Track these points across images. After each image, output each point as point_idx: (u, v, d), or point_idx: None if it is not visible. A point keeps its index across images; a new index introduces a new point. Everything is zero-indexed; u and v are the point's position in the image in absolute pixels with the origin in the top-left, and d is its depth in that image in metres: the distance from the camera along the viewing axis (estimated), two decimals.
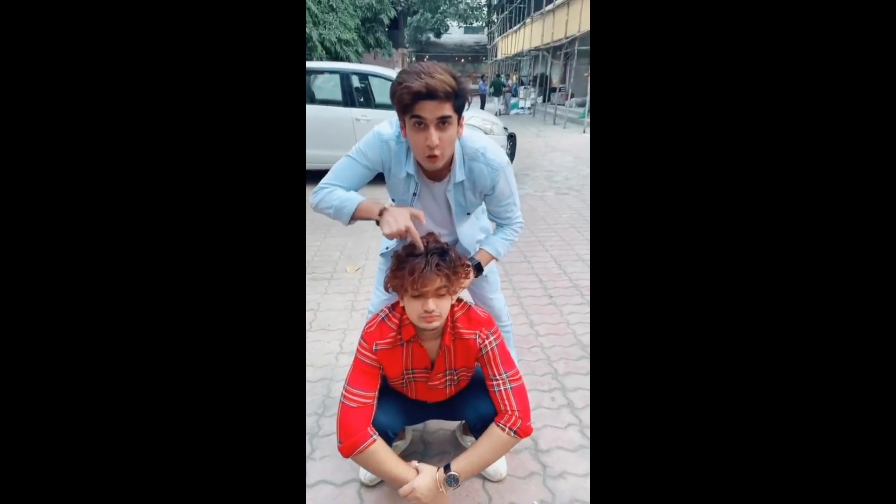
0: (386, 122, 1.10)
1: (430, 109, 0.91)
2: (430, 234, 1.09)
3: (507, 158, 1.12)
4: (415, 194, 1.13)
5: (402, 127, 1.00)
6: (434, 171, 1.08)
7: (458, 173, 1.08)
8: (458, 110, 0.96)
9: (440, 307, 1.00)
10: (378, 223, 1.04)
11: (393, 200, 1.22)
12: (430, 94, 0.89)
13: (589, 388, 1.68)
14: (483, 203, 1.21)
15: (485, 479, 1.29)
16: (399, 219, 1.00)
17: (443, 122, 0.94)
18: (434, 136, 0.94)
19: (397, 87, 0.92)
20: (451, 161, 1.07)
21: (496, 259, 1.24)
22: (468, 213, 1.19)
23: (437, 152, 0.96)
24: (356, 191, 1.12)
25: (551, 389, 1.67)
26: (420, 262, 0.98)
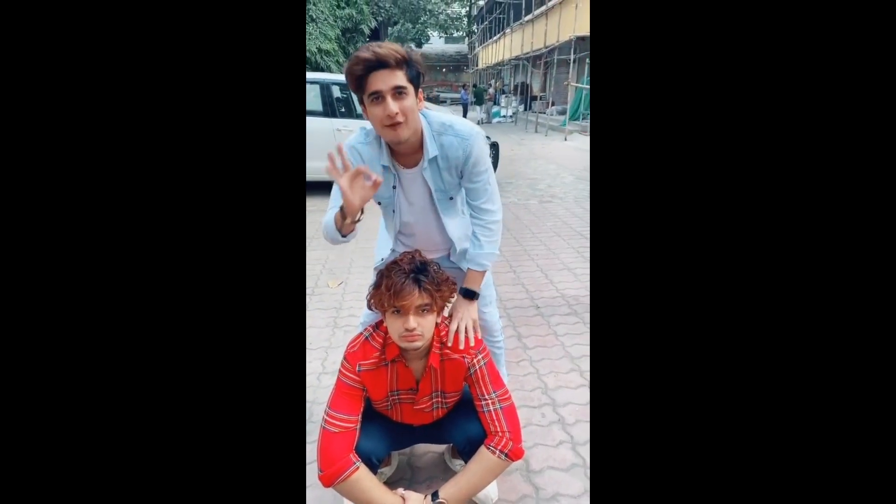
0: (352, 136, 1.10)
1: (383, 79, 0.92)
2: (416, 251, 1.05)
3: (477, 128, 1.10)
4: (394, 187, 1.11)
5: (364, 109, 0.99)
6: (408, 157, 1.06)
7: (431, 148, 1.05)
8: (413, 81, 0.96)
9: (422, 325, 0.95)
10: (346, 217, 0.97)
11: (379, 203, 1.18)
12: (381, 63, 0.91)
13: (579, 402, 1.64)
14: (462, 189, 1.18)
15: None
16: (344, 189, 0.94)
17: (399, 91, 0.93)
18: (392, 104, 0.93)
19: (349, 65, 0.94)
20: (421, 142, 1.05)
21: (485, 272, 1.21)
22: (451, 199, 1.14)
23: (398, 119, 0.94)
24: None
25: (541, 405, 1.63)
26: (399, 277, 0.94)
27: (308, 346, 2.02)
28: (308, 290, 2.56)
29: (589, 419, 1.56)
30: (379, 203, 1.18)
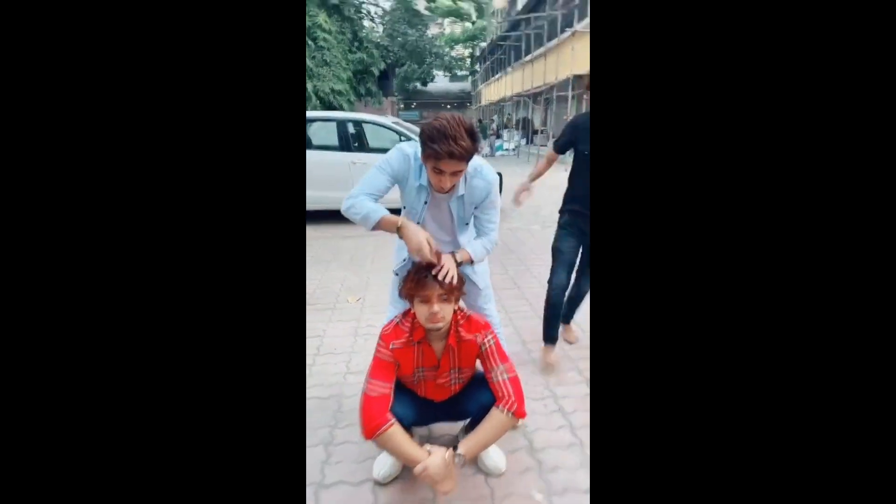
0: (406, 144, 1.35)
1: (450, 166, 1.17)
2: (437, 254, 1.30)
3: (496, 175, 1.38)
4: (425, 203, 1.36)
5: (424, 160, 1.23)
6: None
7: (461, 188, 1.32)
8: (469, 160, 1.21)
9: (443, 310, 1.20)
10: (399, 235, 1.26)
11: (404, 208, 1.44)
12: (451, 157, 1.14)
13: (577, 395, 1.85)
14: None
15: (487, 474, 1.42)
16: (419, 236, 1.22)
17: (456, 174, 1.20)
18: (448, 182, 1.21)
19: (428, 143, 1.15)
20: None
21: (472, 261, 1.41)
22: (466, 224, 1.42)
23: (447, 190, 1.23)
24: (378, 199, 1.33)
25: (543, 398, 1.83)
26: (423, 273, 1.20)
27: (333, 351, 2.24)
28: (330, 306, 2.81)
29: (588, 409, 1.76)
30: (403, 207, 1.44)
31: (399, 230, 1.26)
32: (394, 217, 1.30)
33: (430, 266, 1.22)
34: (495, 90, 21.72)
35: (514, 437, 1.59)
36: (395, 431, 1.16)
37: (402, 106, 26.82)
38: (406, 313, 1.31)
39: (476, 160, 1.33)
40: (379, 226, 1.28)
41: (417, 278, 1.20)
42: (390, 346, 1.25)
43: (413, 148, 1.33)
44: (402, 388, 1.32)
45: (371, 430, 1.15)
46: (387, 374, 1.23)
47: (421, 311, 1.21)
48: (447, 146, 1.12)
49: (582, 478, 1.42)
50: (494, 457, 1.44)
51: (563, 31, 11.74)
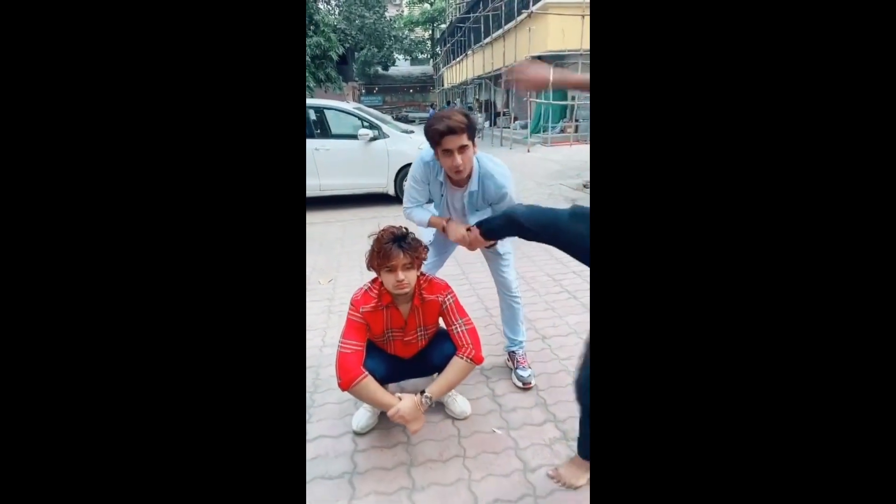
0: (424, 151, 1.58)
1: (452, 141, 1.36)
2: (393, 226, 1.44)
3: (511, 181, 1.56)
4: (442, 195, 1.61)
5: (436, 154, 1.45)
6: (457, 181, 1.54)
7: (473, 185, 1.53)
8: (472, 137, 1.40)
9: (408, 277, 1.35)
10: (444, 230, 1.56)
11: (430, 201, 1.69)
12: (451, 131, 1.34)
13: (533, 348, 2.06)
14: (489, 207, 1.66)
15: (454, 419, 1.61)
16: (461, 230, 1.50)
17: (462, 149, 1.38)
18: (458, 159, 1.39)
19: (429, 128, 1.39)
20: (469, 177, 1.53)
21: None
22: (477, 210, 1.62)
23: (461, 168, 1.42)
24: (423, 203, 1.64)
25: (503, 353, 2.04)
26: (387, 245, 1.33)
27: (309, 327, 2.37)
28: None
29: (542, 362, 1.97)
30: (430, 201, 1.69)
31: (446, 224, 1.56)
32: (436, 218, 1.60)
33: (394, 238, 1.36)
34: (458, 72, 21.68)
35: (478, 387, 1.79)
36: (369, 382, 1.32)
37: (363, 91, 26.33)
38: (374, 280, 1.46)
39: (491, 165, 1.54)
40: (430, 224, 1.58)
41: (382, 251, 1.34)
42: (360, 310, 1.40)
43: (429, 153, 1.53)
44: (373, 347, 1.48)
45: (347, 382, 1.31)
46: (358, 334, 1.38)
47: (388, 279, 1.36)
48: (443, 123, 1.35)
49: (537, 415, 1.63)
50: (461, 403, 1.63)
51: (519, 12, 11.86)
